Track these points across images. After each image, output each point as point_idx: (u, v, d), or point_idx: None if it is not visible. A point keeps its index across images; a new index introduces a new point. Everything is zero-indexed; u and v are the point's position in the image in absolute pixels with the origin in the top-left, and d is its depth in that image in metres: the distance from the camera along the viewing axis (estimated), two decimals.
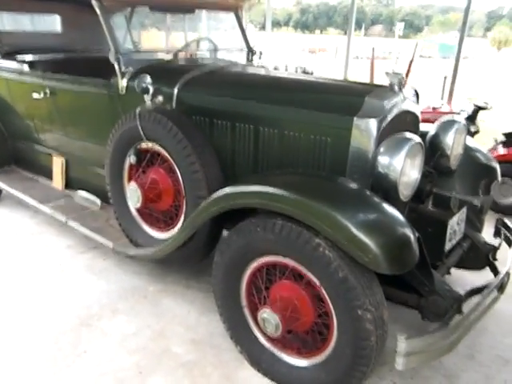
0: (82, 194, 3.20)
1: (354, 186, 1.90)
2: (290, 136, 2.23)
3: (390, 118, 2.05)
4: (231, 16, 4.56)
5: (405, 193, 1.99)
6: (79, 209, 3.10)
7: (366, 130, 2.01)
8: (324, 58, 22.56)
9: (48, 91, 3.12)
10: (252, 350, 2.13)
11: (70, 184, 3.45)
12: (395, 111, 2.10)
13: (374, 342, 1.69)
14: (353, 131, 2.02)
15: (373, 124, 2.00)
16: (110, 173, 2.60)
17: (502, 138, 4.32)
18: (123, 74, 2.65)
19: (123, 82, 2.66)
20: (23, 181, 3.64)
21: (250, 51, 3.47)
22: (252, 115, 2.32)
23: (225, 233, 2.44)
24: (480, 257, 2.44)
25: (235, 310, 2.14)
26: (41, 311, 2.57)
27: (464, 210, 2.34)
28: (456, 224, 2.25)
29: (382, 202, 1.80)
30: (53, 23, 4.13)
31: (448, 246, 2.20)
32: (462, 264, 2.42)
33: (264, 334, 2.07)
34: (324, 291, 1.78)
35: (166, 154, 2.32)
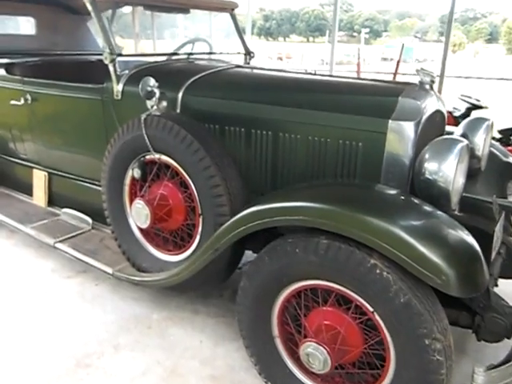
0: (70, 212, 2.86)
1: (403, 196, 1.70)
2: (314, 142, 2.01)
3: (425, 119, 1.88)
4: (205, 22, 4.33)
5: (455, 200, 1.81)
6: (68, 229, 2.76)
7: (402, 134, 1.82)
8: (291, 65, 22.85)
9: (29, 98, 2.79)
10: None
11: (53, 201, 3.10)
12: (429, 111, 1.93)
13: (445, 376, 1.47)
14: (388, 135, 1.84)
15: (410, 127, 1.82)
16: (108, 189, 2.30)
17: (498, 136, 4.27)
18: (119, 78, 2.36)
19: (119, 87, 2.37)
20: None
21: (248, 53, 3.24)
22: (271, 120, 2.08)
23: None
24: None
25: (265, 342, 1.87)
26: (28, 352, 2.20)
27: (503, 215, 2.17)
28: (499, 231, 2.08)
29: (440, 212, 1.60)
30: (26, 25, 3.80)
31: (493, 256, 2.03)
32: (501, 273, 2.25)
33: (300, 367, 1.83)
34: (378, 318, 1.55)
35: (178, 167, 2.05)
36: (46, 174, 3.05)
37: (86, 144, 2.70)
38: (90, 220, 2.78)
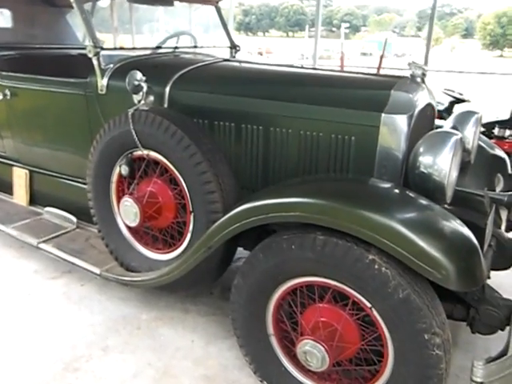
0: (53, 210, 2.77)
1: (400, 190, 1.68)
2: (306, 136, 1.98)
3: (417, 112, 1.87)
4: (185, 17, 4.24)
5: (449, 194, 1.80)
6: (51, 228, 2.67)
7: (395, 127, 1.81)
8: (272, 60, 22.85)
9: (8, 93, 2.68)
10: None
11: (34, 200, 3.00)
12: (421, 105, 1.92)
13: (444, 370, 1.47)
14: (381, 129, 1.83)
15: (403, 120, 1.81)
16: (93, 187, 2.22)
17: (481, 129, 4.32)
18: (103, 72, 2.29)
19: (103, 81, 2.30)
20: None
21: (234, 47, 3.19)
22: (262, 115, 2.05)
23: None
24: (506, 255, 2.30)
25: (260, 340, 1.84)
26: (12, 357, 2.12)
27: (493, 208, 2.18)
28: (490, 224, 2.09)
29: (437, 206, 1.59)
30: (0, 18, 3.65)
31: (485, 248, 2.04)
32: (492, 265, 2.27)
33: (296, 365, 1.81)
34: (377, 314, 1.54)
35: (168, 163, 1.99)
36: (27, 171, 2.95)
37: (68, 140, 2.62)
38: (74, 219, 2.69)
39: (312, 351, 1.60)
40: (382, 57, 5.29)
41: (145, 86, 1.97)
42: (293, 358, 1.82)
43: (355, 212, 1.46)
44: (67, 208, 2.77)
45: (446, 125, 2.35)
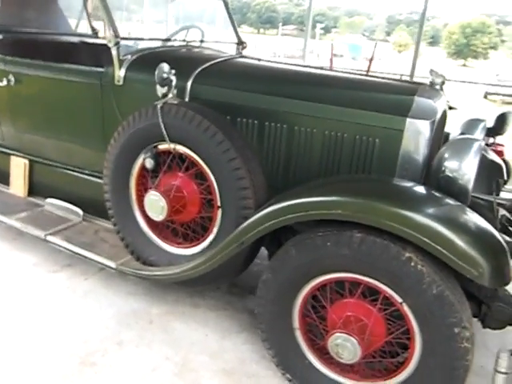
0: (57, 202, 2.70)
1: (432, 191, 1.76)
2: (331, 137, 2.04)
3: (438, 118, 1.97)
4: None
5: (470, 197, 1.90)
6: (56, 221, 2.60)
7: (419, 132, 1.90)
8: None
9: (12, 79, 2.58)
10: (305, 377, 1.89)
11: (33, 191, 2.91)
12: (440, 111, 2.02)
13: (470, 361, 1.56)
14: (405, 133, 1.91)
15: (426, 125, 1.90)
16: (112, 179, 2.18)
17: None
18: (121, 62, 2.26)
19: (121, 72, 2.27)
20: None
21: (241, 43, 3.19)
22: (287, 113, 2.08)
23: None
24: None
25: (285, 334, 1.88)
26: (28, 354, 2.07)
27: (499, 213, 2.31)
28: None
29: (467, 208, 1.68)
30: None
31: None
32: None
33: (320, 358, 1.86)
34: (407, 309, 1.61)
35: (196, 158, 1.98)
36: (27, 161, 2.85)
37: (78, 130, 2.55)
38: (80, 211, 2.64)
39: (345, 344, 1.66)
40: (371, 60, 5.42)
41: (174, 79, 1.96)
42: (316, 350, 1.87)
43: (396, 211, 1.52)
44: (71, 200, 2.71)
45: (455, 131, 2.46)
